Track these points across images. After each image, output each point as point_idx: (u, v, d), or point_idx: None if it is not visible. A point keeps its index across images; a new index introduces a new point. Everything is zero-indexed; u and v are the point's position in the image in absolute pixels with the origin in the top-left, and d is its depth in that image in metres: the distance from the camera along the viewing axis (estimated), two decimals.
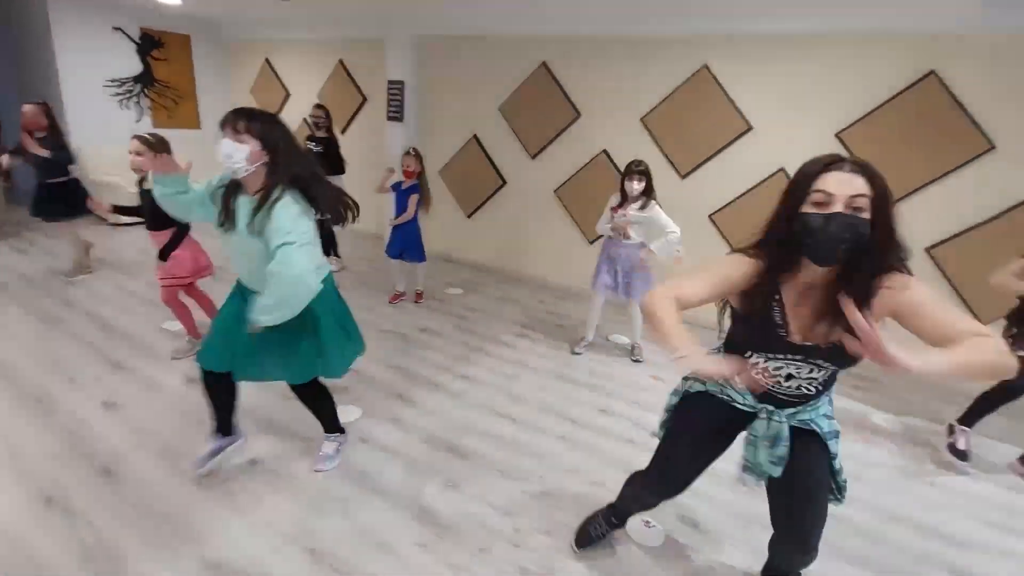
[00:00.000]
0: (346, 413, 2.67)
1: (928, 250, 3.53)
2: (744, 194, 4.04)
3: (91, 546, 1.79)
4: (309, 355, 1.94)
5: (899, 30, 3.34)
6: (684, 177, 4.24)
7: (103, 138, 5.90)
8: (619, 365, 3.53)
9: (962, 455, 2.65)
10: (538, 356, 3.55)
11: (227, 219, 1.77)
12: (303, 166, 1.78)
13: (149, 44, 6.19)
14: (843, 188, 1.10)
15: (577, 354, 3.63)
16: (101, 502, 1.98)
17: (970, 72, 3.23)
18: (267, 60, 6.61)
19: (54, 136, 3.84)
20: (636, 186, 3.22)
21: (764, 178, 3.93)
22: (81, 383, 2.75)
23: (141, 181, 2.87)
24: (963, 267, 3.45)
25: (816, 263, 1.17)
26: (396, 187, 4.02)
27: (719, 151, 4.06)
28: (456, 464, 2.39)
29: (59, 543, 1.79)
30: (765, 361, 1.32)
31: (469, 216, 5.49)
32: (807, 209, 1.14)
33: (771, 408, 1.39)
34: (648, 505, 1.84)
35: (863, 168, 1.12)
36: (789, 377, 1.31)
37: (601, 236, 3.56)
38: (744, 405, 1.44)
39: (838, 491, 1.45)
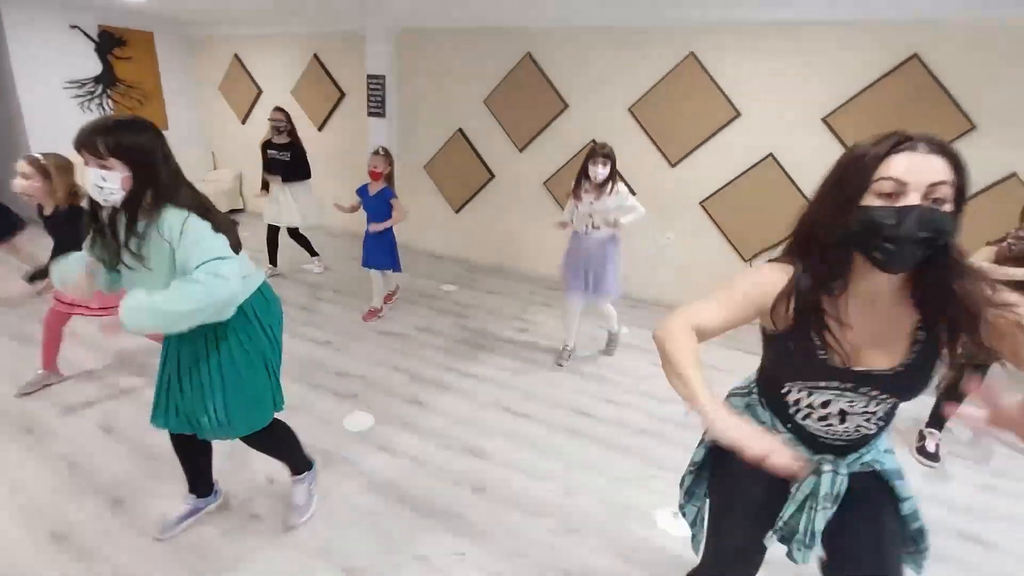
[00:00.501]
0: (359, 421, 2.63)
1: None
2: (734, 180, 4.08)
3: None
4: (250, 389, 1.64)
5: (881, 16, 3.41)
6: (674, 165, 4.26)
7: (66, 143, 5.58)
8: (622, 355, 3.56)
9: (932, 457, 2.61)
10: (541, 351, 3.54)
11: (117, 256, 1.46)
12: (180, 183, 1.47)
13: (109, 42, 5.87)
14: (920, 174, 0.85)
15: (561, 367, 3.33)
16: (114, 536, 1.90)
17: (951, 55, 3.32)
18: (236, 56, 6.36)
19: None
20: (601, 171, 2.95)
21: (753, 163, 3.99)
22: (73, 407, 2.62)
23: (40, 209, 2.48)
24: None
25: (885, 269, 0.91)
26: (362, 192, 3.69)
27: (708, 138, 4.09)
28: (479, 467, 2.38)
29: None
30: (808, 396, 1.07)
31: (457, 211, 5.43)
32: (871, 202, 0.89)
33: (830, 459, 1.11)
34: None
35: (941, 148, 0.87)
36: (843, 418, 1.06)
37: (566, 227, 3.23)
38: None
39: (915, 543, 1.17)
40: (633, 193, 3.21)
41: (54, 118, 5.56)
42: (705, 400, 0.91)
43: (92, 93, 5.84)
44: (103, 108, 5.96)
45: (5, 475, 2.15)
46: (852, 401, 1.04)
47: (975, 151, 3.36)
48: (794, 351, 1.04)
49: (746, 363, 3.53)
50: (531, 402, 2.92)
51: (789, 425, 1.13)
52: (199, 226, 1.40)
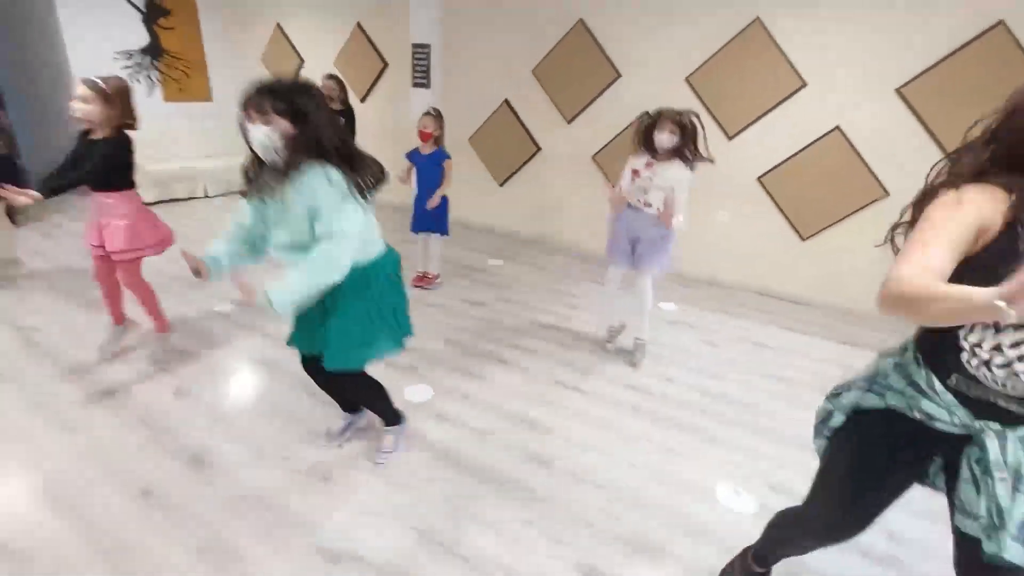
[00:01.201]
0: (418, 393, 2.65)
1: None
2: (795, 155, 3.92)
3: (201, 539, 1.78)
4: (355, 335, 1.82)
5: None
6: (731, 138, 4.11)
7: None
8: (667, 330, 3.50)
9: None
10: (591, 326, 3.51)
11: (255, 190, 1.65)
12: (336, 135, 1.60)
13: (156, 12, 5.90)
14: None
15: (608, 350, 3.19)
16: (199, 493, 1.96)
17: None
18: (279, 26, 6.33)
19: None
20: (667, 139, 2.53)
21: (817, 137, 3.81)
22: (148, 373, 2.70)
23: (86, 133, 2.38)
24: None
25: None
26: (413, 156, 3.66)
27: (770, 110, 3.92)
28: (537, 439, 2.38)
29: (169, 538, 1.77)
30: (995, 334, 0.92)
31: (502, 184, 5.37)
32: None
33: (996, 426, 0.98)
34: (807, 550, 1.48)
35: None
36: None
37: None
38: (951, 425, 1.02)
39: None
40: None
41: None
42: (983, 295, 0.74)
43: (140, 64, 5.91)
44: (151, 80, 6.04)
45: (87, 435, 2.24)
46: None
47: None
48: (1000, 273, 0.78)
49: (790, 339, 3.45)
50: (584, 376, 2.90)
51: (952, 380, 1.00)
52: (336, 191, 1.54)
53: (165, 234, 2.67)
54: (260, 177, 1.63)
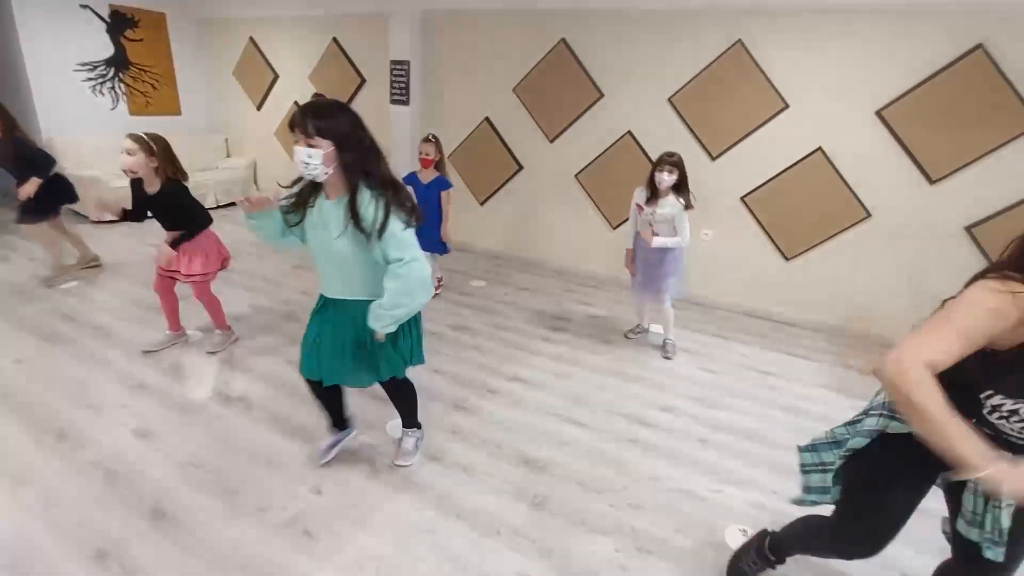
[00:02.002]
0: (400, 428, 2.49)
1: (969, 229, 3.49)
2: (779, 175, 3.93)
3: None
4: (404, 350, 1.94)
5: (944, 1, 3.22)
6: (715, 159, 4.10)
7: (77, 128, 5.44)
8: (662, 357, 3.42)
9: None
10: (585, 352, 3.41)
11: (304, 218, 1.74)
12: (377, 161, 1.66)
13: (121, 23, 5.67)
14: None
15: (628, 339, 3.63)
16: (160, 551, 1.77)
17: (1020, 45, 3.14)
18: (252, 39, 6.15)
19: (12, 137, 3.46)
20: (667, 178, 2.96)
21: (800, 158, 3.83)
22: (105, 410, 2.49)
23: (138, 182, 2.69)
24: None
25: None
26: (412, 180, 3.68)
27: (753, 131, 3.92)
28: (536, 479, 2.25)
29: None
30: (1014, 403, 1.05)
31: (482, 203, 5.26)
32: None
33: (1009, 455, 1.09)
34: (824, 557, 1.64)
35: None
36: None
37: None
38: None
39: None
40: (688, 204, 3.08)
41: (66, 102, 5.40)
42: (977, 455, 0.92)
43: (104, 76, 5.66)
44: (115, 92, 5.78)
45: (38, 485, 2.02)
46: None
47: None
48: (1012, 367, 1.01)
49: (794, 365, 3.43)
50: (580, 407, 2.79)
51: (974, 420, 1.10)
52: (397, 217, 1.61)
53: (227, 253, 3.03)
54: (311, 200, 1.71)
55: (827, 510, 1.49)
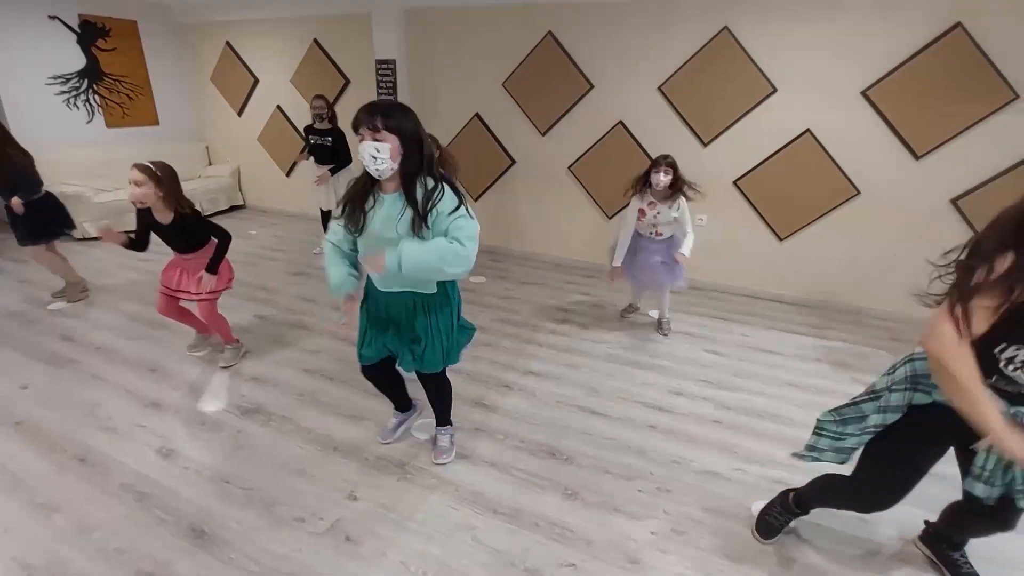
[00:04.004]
0: (427, 428, 2.52)
1: (954, 201, 3.61)
2: (770, 158, 4.01)
3: None
4: (448, 343, 2.02)
5: None
6: (707, 144, 4.17)
7: (53, 143, 5.27)
8: (665, 341, 3.50)
9: None
10: (591, 341, 3.46)
11: (364, 224, 1.76)
12: (432, 155, 1.74)
13: (92, 33, 5.50)
14: None
15: (623, 318, 3.80)
16: (207, 570, 1.77)
17: (997, 23, 3.25)
18: (228, 44, 6.02)
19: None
20: (663, 179, 3.07)
21: (789, 140, 3.91)
22: (123, 431, 2.46)
23: (146, 211, 2.65)
24: (989, 217, 3.54)
25: None
26: None
27: (742, 116, 4.00)
28: (564, 470, 2.29)
29: None
30: None
31: (476, 199, 5.26)
32: None
33: None
34: (845, 510, 1.78)
35: None
36: None
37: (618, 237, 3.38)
38: None
39: None
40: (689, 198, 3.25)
41: (39, 117, 5.24)
42: (998, 425, 1.09)
43: (78, 88, 5.49)
44: (90, 104, 5.62)
45: (70, 513, 2.00)
46: None
47: (1019, 121, 3.35)
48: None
49: (793, 342, 3.52)
50: (595, 396, 2.85)
51: (993, 378, 1.23)
52: (457, 203, 1.71)
53: (231, 271, 2.96)
54: (368, 197, 1.75)
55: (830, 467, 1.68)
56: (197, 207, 2.80)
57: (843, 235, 3.96)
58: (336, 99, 5.55)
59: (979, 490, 1.36)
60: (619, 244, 3.31)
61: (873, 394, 1.52)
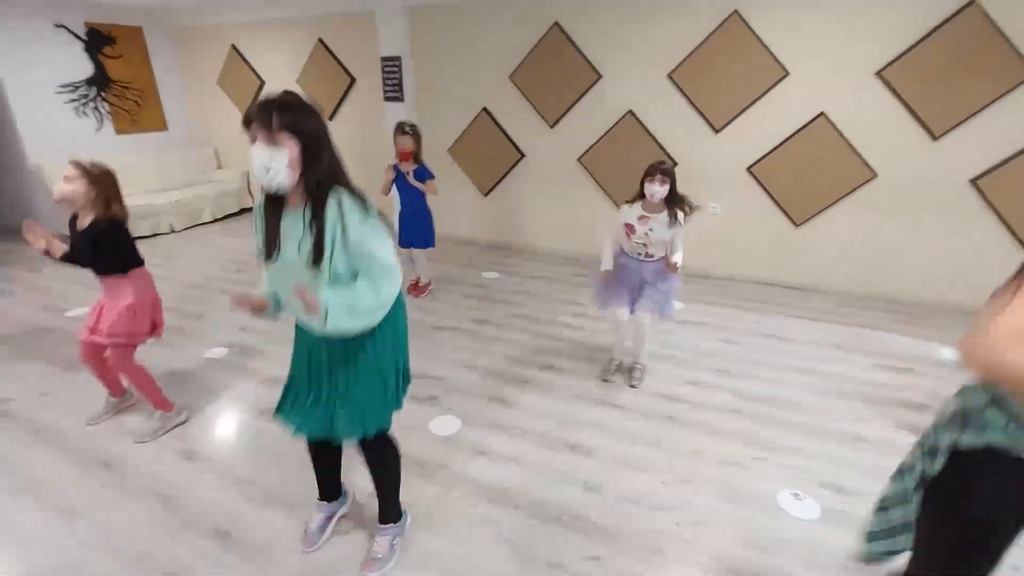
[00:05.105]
0: (445, 425, 2.51)
1: (973, 181, 3.54)
2: (783, 143, 3.95)
3: None
4: (390, 388, 1.62)
5: None
6: (718, 131, 4.11)
7: (63, 152, 5.30)
8: (680, 331, 3.47)
9: None
10: (605, 334, 3.43)
11: (275, 247, 1.43)
12: (338, 161, 1.41)
13: (98, 40, 5.53)
14: None
15: (607, 381, 2.89)
16: (234, 571, 1.78)
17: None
18: (233, 46, 6.03)
19: None
20: (659, 189, 2.53)
21: (803, 125, 3.85)
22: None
23: (74, 218, 2.24)
24: (1010, 196, 3.47)
25: None
26: (397, 170, 3.64)
27: (754, 101, 3.93)
28: (582, 463, 2.28)
29: None
30: None
31: (486, 194, 5.24)
32: None
33: None
34: None
35: None
36: None
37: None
38: None
39: None
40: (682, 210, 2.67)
41: (50, 126, 5.28)
42: None
43: (86, 96, 5.53)
44: (99, 112, 5.66)
45: (92, 517, 2.01)
46: None
47: None
48: None
49: (808, 328, 3.47)
50: (613, 390, 2.82)
51: None
52: (372, 223, 1.38)
53: (160, 317, 2.48)
54: (272, 215, 1.43)
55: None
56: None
57: (860, 219, 3.90)
58: (342, 98, 5.55)
59: None
60: (606, 254, 2.79)
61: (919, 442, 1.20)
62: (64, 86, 5.35)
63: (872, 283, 3.98)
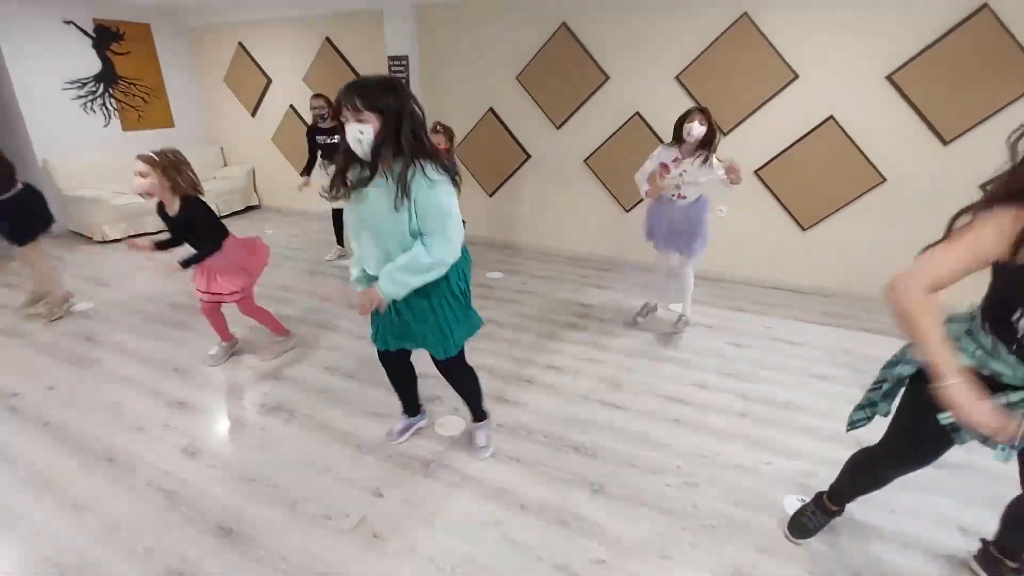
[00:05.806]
0: (450, 425, 2.51)
1: (983, 187, 3.49)
2: (791, 146, 3.93)
3: None
4: (452, 326, 1.91)
5: None
6: (726, 134, 4.09)
7: (71, 148, 5.35)
8: (693, 333, 3.45)
9: None
10: (610, 336, 3.42)
11: (345, 189, 1.70)
12: (419, 131, 1.62)
13: (106, 37, 5.55)
14: None
15: (636, 324, 3.51)
16: (236, 567, 1.77)
17: None
18: (241, 44, 6.05)
19: None
20: (698, 128, 2.74)
21: (812, 128, 3.83)
22: (149, 431, 2.47)
23: (161, 207, 2.56)
24: None
25: None
26: None
27: (763, 104, 3.92)
28: (589, 465, 2.26)
29: None
30: None
31: (491, 194, 5.24)
32: None
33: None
34: (887, 480, 1.64)
35: None
36: None
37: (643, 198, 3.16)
38: (1015, 379, 1.19)
39: None
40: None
41: (58, 122, 5.30)
42: (949, 369, 1.09)
43: (94, 93, 5.54)
44: (107, 108, 5.67)
45: (97, 512, 2.01)
46: None
47: None
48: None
49: (817, 332, 3.46)
50: (618, 391, 2.81)
51: (1014, 347, 1.18)
52: (446, 188, 1.63)
53: (262, 257, 2.90)
54: (355, 178, 1.69)
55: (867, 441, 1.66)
56: (214, 208, 2.70)
57: (868, 224, 3.87)
58: None
59: (1000, 455, 1.26)
60: (640, 184, 3.08)
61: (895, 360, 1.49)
62: (72, 82, 5.36)
63: (881, 288, 3.95)
